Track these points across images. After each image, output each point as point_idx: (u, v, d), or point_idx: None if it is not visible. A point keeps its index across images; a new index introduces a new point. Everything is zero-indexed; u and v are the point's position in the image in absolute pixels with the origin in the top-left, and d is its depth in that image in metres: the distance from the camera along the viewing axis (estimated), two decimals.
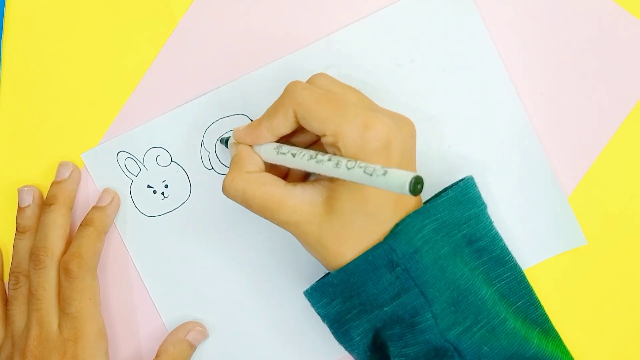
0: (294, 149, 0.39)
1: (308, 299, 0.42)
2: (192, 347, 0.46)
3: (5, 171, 0.48)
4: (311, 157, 0.37)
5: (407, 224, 0.39)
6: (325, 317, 0.42)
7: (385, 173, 0.33)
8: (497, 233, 0.43)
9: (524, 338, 0.41)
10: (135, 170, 0.47)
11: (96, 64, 0.48)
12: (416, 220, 0.39)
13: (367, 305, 0.40)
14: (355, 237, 0.39)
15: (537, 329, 0.43)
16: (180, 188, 0.47)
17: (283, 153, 0.39)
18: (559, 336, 0.44)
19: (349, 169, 0.35)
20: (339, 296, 0.40)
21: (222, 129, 0.47)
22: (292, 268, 0.47)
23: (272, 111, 0.40)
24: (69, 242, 0.46)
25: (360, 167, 0.34)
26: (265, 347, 0.47)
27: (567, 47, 0.46)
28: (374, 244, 0.39)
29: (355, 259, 0.39)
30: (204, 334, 0.47)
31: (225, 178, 0.40)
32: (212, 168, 0.47)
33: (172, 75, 0.47)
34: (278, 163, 0.40)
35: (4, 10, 0.48)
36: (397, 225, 0.39)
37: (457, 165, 0.46)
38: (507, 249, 0.43)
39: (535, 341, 0.41)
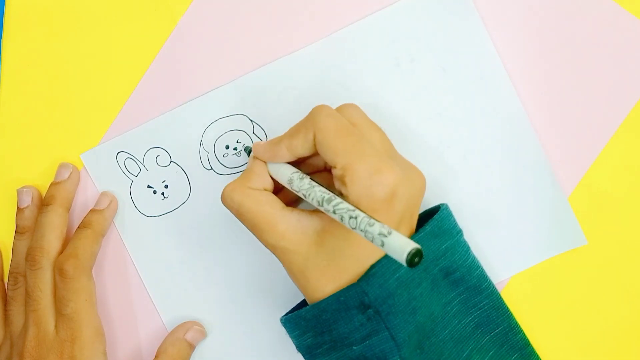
0: (305, 189, 0.38)
1: (283, 327, 0.42)
2: (191, 347, 0.46)
3: (5, 171, 0.48)
4: (319, 204, 0.37)
5: (383, 266, 0.38)
6: (298, 348, 0.42)
7: (388, 234, 0.33)
8: (473, 261, 0.43)
9: None
10: (135, 171, 0.47)
11: (96, 64, 0.48)
12: (393, 261, 0.39)
13: (337, 343, 0.40)
14: (337, 274, 0.39)
15: (515, 355, 0.43)
16: (180, 188, 0.47)
17: (295, 190, 0.39)
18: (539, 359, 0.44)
19: (352, 227, 0.35)
20: (311, 330, 0.40)
21: (221, 129, 0.47)
22: None
23: (294, 131, 0.40)
24: (65, 243, 0.46)
25: (361, 230, 0.34)
26: (265, 346, 0.47)
27: (567, 47, 0.46)
28: (351, 282, 0.39)
29: (328, 297, 0.39)
30: (203, 334, 0.47)
31: (226, 186, 0.40)
32: (211, 168, 0.47)
33: (171, 75, 0.47)
34: (287, 187, 0.40)
35: (4, 10, 0.48)
36: (372, 266, 0.39)
37: (456, 166, 0.46)
38: (484, 275, 0.43)
39: None
